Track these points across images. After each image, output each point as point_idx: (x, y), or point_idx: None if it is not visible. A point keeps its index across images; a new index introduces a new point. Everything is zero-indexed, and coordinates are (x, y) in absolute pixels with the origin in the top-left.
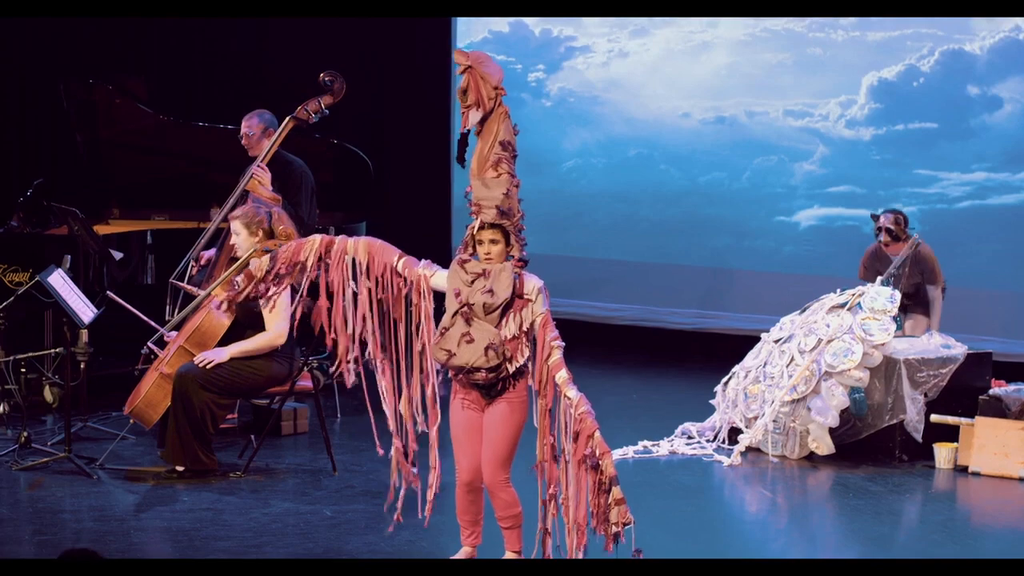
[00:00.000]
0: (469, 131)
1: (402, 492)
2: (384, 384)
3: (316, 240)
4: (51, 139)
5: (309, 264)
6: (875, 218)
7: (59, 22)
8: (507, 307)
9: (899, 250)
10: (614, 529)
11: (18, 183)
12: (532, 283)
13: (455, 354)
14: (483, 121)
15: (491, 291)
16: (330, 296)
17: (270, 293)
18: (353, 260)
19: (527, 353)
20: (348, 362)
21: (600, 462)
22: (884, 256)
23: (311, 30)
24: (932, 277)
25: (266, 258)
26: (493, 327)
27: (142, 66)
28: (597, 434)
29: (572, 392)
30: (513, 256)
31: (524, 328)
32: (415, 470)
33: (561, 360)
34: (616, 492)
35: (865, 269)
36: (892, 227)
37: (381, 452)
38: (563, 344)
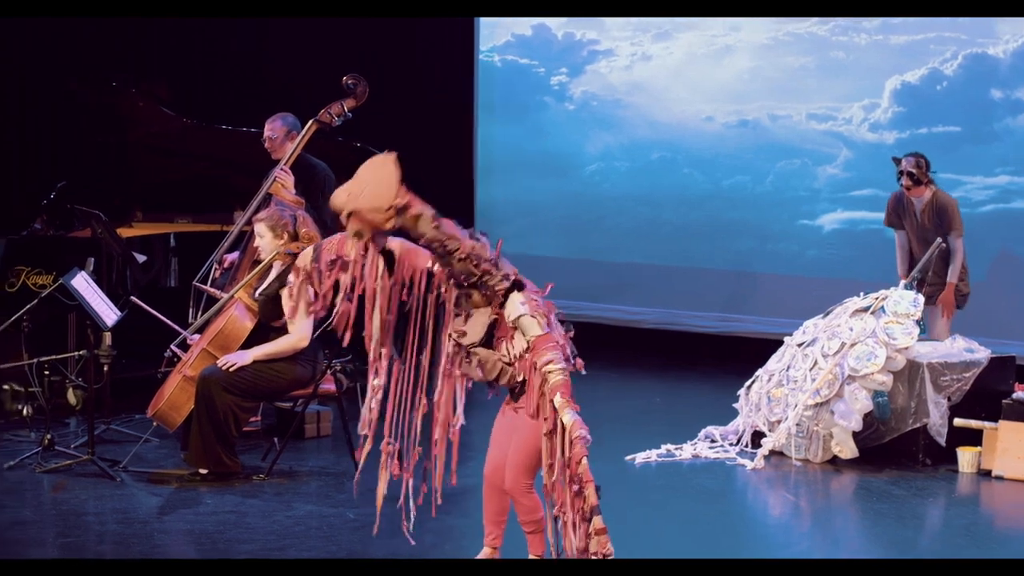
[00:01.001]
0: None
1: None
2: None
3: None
4: (51, 139)
5: (354, 258)
6: (897, 162)
7: (59, 22)
8: (495, 336)
9: (921, 193)
10: (596, 556)
11: (17, 184)
12: (511, 312)
13: (462, 370)
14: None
15: (464, 332)
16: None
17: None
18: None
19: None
20: (378, 361)
21: (583, 490)
22: (908, 201)
23: (311, 30)
24: (952, 224)
25: (309, 250)
26: (484, 349)
27: (142, 66)
28: (584, 461)
29: (567, 417)
30: (492, 300)
31: (521, 352)
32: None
33: (559, 383)
34: (597, 522)
35: (889, 215)
36: (914, 171)
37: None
38: (562, 366)
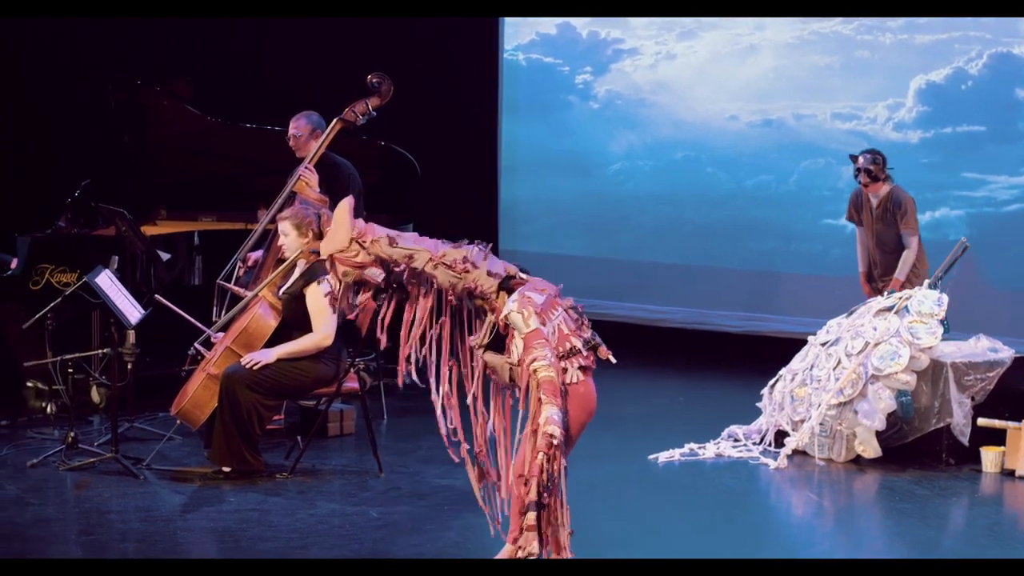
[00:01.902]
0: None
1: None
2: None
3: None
4: (75, 138)
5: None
6: (854, 159)
7: (59, 22)
8: (496, 342)
9: (878, 190)
10: (519, 553)
11: (42, 182)
12: (504, 312)
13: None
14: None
15: (478, 335)
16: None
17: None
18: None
19: None
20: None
21: (528, 483)
22: (866, 197)
23: (313, 30)
24: (906, 222)
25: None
26: (493, 354)
27: (142, 66)
28: (540, 456)
29: (543, 415)
30: (493, 305)
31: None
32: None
33: (545, 380)
34: (529, 517)
35: (849, 210)
36: (871, 167)
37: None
38: (547, 363)
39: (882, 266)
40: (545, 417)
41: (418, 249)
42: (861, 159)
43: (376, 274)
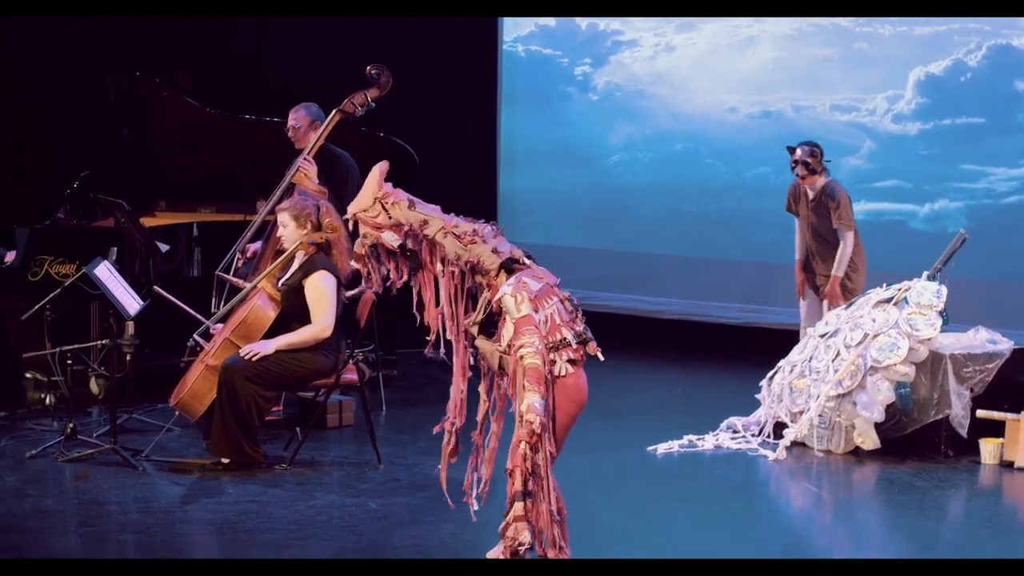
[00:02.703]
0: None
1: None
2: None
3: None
4: (74, 129)
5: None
6: (791, 151)
7: (59, 22)
8: (489, 323)
9: (814, 183)
10: (512, 544)
11: (41, 173)
12: (499, 294)
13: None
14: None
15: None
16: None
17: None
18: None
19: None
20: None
21: (512, 474)
22: (803, 191)
23: (313, 30)
24: (840, 217)
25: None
26: (483, 340)
27: (142, 66)
28: (523, 446)
29: (524, 402)
30: (491, 283)
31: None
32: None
33: (529, 367)
34: (517, 508)
35: (788, 201)
36: (808, 160)
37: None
38: (534, 350)
39: (819, 258)
40: (527, 405)
41: (433, 216)
42: (799, 151)
43: (392, 239)
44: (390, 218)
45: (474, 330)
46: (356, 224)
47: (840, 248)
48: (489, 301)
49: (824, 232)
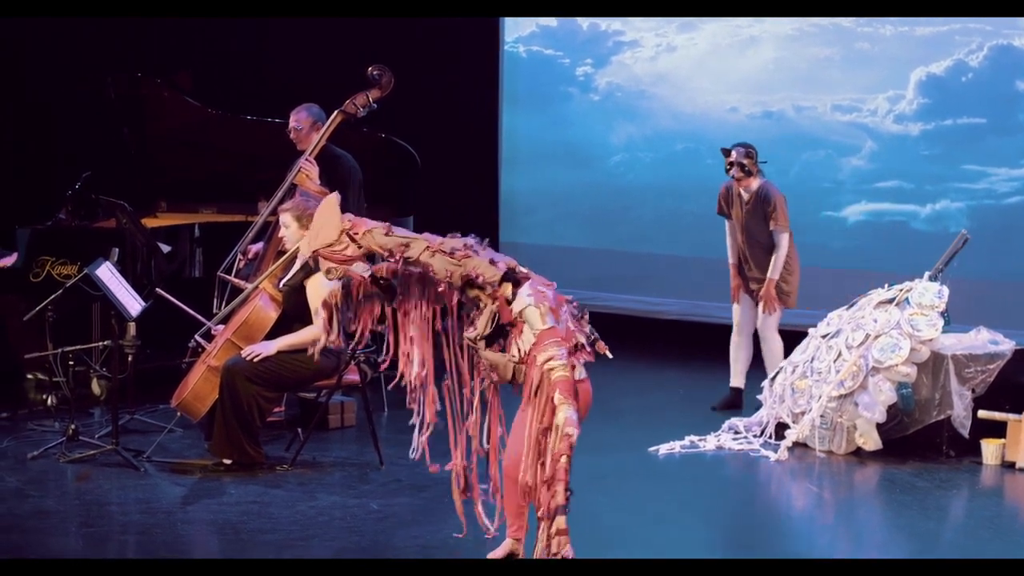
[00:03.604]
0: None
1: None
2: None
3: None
4: (76, 130)
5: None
6: (726, 152)
7: (59, 22)
8: (504, 334)
9: (749, 184)
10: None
11: (42, 174)
12: (517, 305)
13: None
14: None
15: (473, 326)
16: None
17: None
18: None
19: None
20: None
21: (553, 487)
22: (737, 192)
23: (314, 30)
24: (776, 218)
25: (337, 286)
26: (492, 352)
27: (142, 66)
28: (563, 460)
29: (560, 415)
30: (490, 292)
31: (530, 347)
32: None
33: (559, 379)
34: (560, 522)
35: (719, 204)
36: (744, 161)
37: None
38: (562, 363)
39: (753, 261)
40: (564, 418)
41: (414, 237)
42: (734, 153)
43: (363, 269)
44: (359, 248)
45: (481, 344)
46: (316, 261)
47: (776, 250)
48: (496, 313)
49: (758, 234)
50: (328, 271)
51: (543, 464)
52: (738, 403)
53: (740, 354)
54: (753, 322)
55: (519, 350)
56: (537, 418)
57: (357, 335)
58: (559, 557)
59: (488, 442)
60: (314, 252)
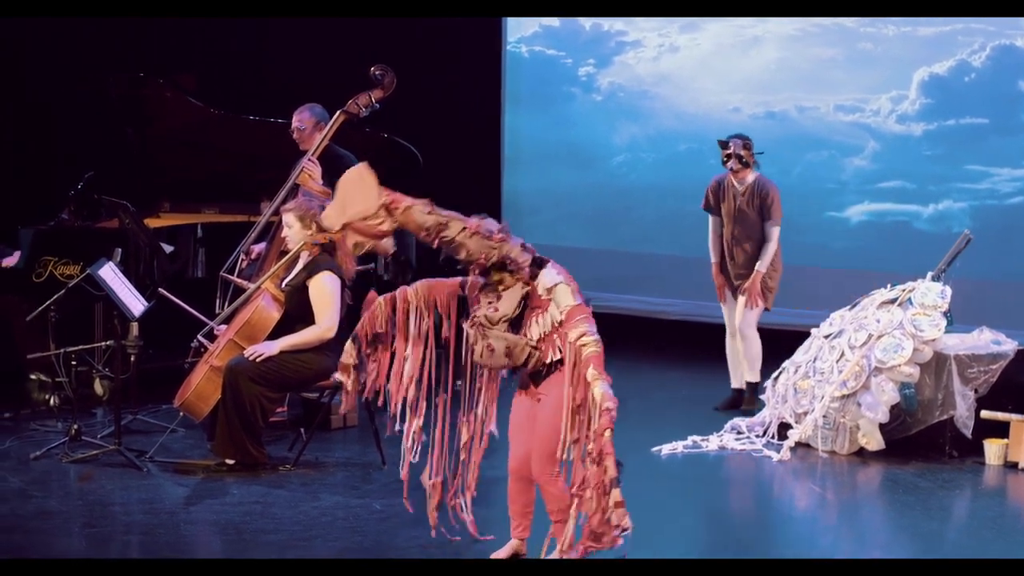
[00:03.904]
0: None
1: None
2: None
3: (381, 303)
4: (52, 132)
5: (386, 329)
6: (723, 144)
7: (59, 22)
8: (524, 313)
9: (746, 177)
10: (613, 532)
11: (45, 174)
12: (546, 282)
13: (487, 362)
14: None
15: (496, 308)
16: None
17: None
18: (418, 307)
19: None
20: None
21: (603, 462)
22: (728, 185)
23: (314, 30)
24: (772, 212)
25: (350, 345)
26: (511, 334)
27: (142, 66)
28: (607, 433)
29: (597, 390)
30: (520, 275)
31: (552, 327)
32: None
33: (592, 355)
34: (615, 494)
35: (707, 198)
36: (742, 153)
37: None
38: (595, 338)
39: (739, 256)
40: (601, 392)
41: (452, 217)
42: (732, 144)
43: (389, 246)
44: (395, 224)
45: (502, 326)
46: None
47: (767, 243)
48: (524, 296)
49: (750, 227)
50: (356, 245)
51: (576, 441)
52: (740, 403)
53: (737, 356)
54: (737, 318)
55: (536, 333)
56: (570, 395)
57: (369, 385)
58: (622, 529)
59: (471, 445)
60: (345, 224)
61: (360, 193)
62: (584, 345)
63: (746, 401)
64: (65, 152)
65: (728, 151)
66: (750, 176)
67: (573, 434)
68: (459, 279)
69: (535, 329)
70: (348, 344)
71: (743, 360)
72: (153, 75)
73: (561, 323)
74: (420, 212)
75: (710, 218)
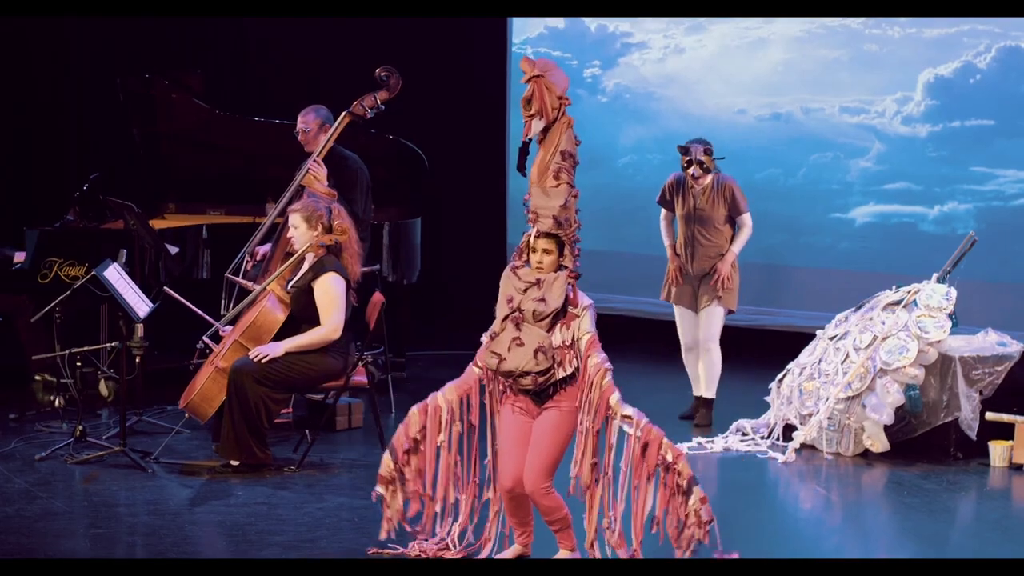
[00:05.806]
0: (531, 140)
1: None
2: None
3: (415, 412)
4: (59, 133)
5: (421, 438)
6: (684, 150)
7: (67, 22)
8: (557, 316)
9: (704, 180)
10: (704, 530)
11: (50, 175)
12: (584, 300)
13: (505, 359)
14: (546, 130)
15: (543, 299)
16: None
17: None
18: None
19: (576, 363)
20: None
21: (676, 465)
22: (688, 185)
23: (318, 31)
24: (740, 206)
25: (387, 458)
26: (544, 332)
27: (150, 66)
28: (666, 440)
29: (630, 409)
30: (567, 267)
31: (574, 339)
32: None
33: (612, 382)
34: (699, 491)
35: (663, 194)
36: (704, 159)
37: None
38: (610, 368)
39: (700, 252)
40: (635, 412)
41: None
42: (693, 150)
43: (538, 126)
44: (559, 123)
45: (546, 322)
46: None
47: (740, 230)
48: (567, 290)
49: (715, 220)
50: (528, 100)
51: (594, 465)
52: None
53: (697, 367)
54: (697, 332)
55: (556, 342)
56: (590, 419)
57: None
58: (710, 523)
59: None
60: (539, 73)
61: (562, 75)
62: (606, 371)
63: (700, 416)
64: (71, 153)
65: (688, 157)
66: (708, 177)
67: (592, 457)
68: (476, 373)
69: (559, 336)
70: (385, 456)
71: (701, 375)
72: (159, 76)
73: (579, 340)
74: (572, 134)
75: (662, 212)
